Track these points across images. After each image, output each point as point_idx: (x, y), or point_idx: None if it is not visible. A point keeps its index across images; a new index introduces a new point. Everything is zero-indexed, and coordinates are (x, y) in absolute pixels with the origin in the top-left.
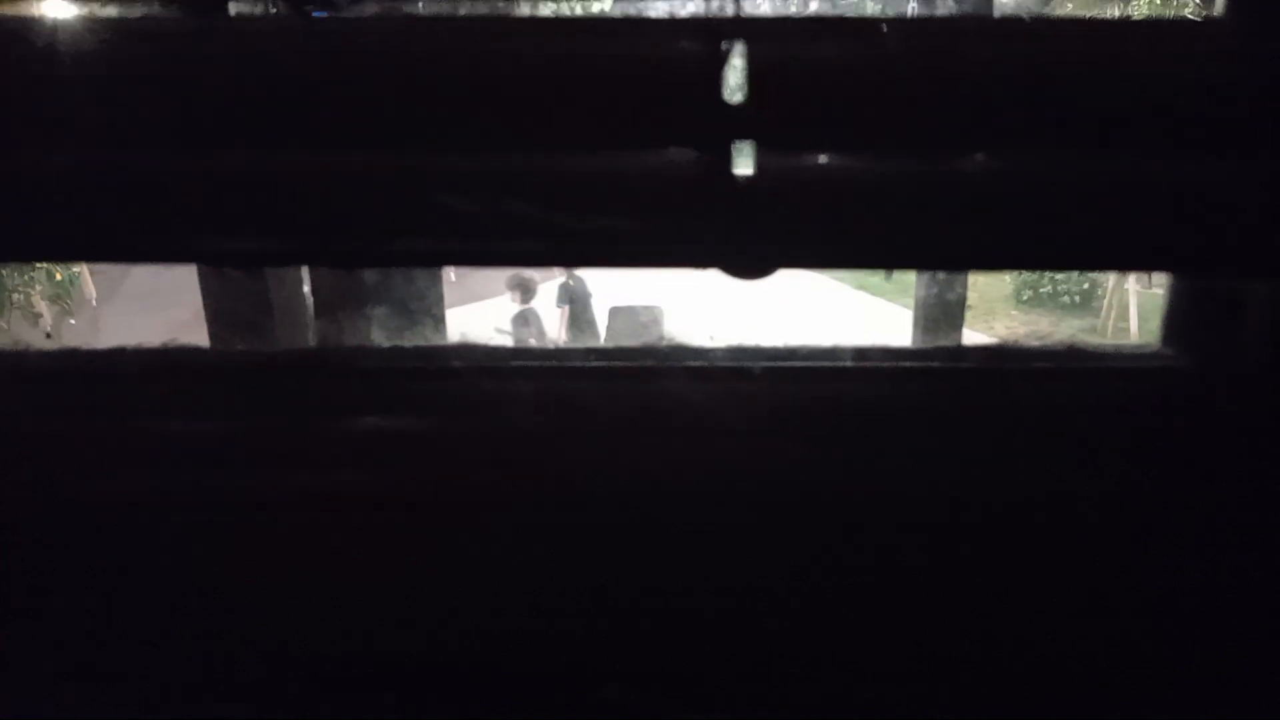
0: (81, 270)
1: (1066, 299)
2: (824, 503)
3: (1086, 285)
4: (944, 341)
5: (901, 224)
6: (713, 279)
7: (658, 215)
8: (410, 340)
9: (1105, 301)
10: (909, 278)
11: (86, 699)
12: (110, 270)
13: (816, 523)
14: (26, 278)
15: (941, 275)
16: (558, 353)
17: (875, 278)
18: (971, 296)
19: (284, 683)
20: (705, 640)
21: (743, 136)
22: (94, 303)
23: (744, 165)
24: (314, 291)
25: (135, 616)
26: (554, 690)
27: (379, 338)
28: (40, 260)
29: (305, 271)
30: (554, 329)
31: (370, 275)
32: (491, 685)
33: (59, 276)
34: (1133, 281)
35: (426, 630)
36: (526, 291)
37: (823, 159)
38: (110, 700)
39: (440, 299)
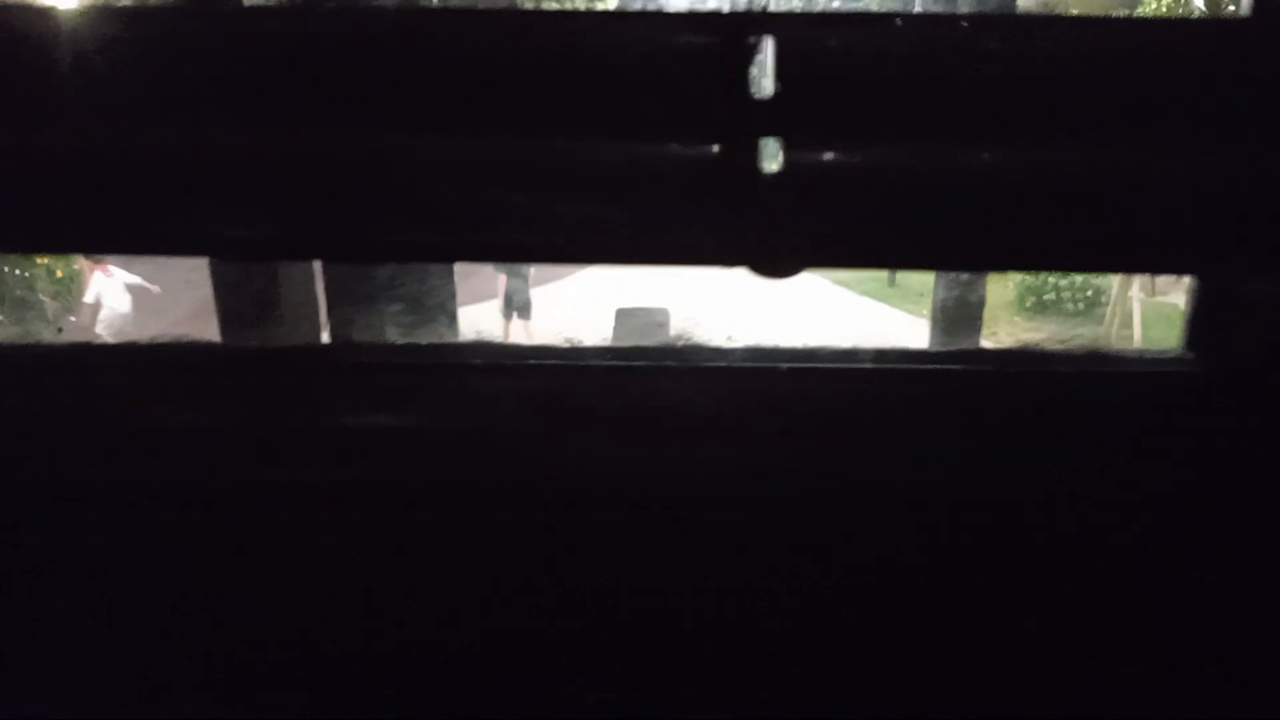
0: (82, 268)
1: (1070, 306)
2: (847, 506)
3: (1090, 292)
4: (962, 345)
5: (936, 222)
6: (720, 280)
7: (684, 212)
8: (423, 337)
9: (1109, 309)
10: (911, 281)
11: (87, 698)
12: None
13: (831, 524)
14: (29, 275)
15: (965, 276)
16: (568, 352)
17: (878, 282)
18: None
19: (276, 678)
20: (705, 640)
21: (770, 133)
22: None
23: (771, 162)
24: (327, 289)
25: (131, 613)
26: (551, 690)
27: (393, 334)
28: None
29: (318, 269)
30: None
31: (383, 272)
32: (491, 685)
33: (60, 274)
34: (1136, 289)
35: (426, 626)
36: None
37: (852, 156)
38: (113, 700)
39: (453, 295)
